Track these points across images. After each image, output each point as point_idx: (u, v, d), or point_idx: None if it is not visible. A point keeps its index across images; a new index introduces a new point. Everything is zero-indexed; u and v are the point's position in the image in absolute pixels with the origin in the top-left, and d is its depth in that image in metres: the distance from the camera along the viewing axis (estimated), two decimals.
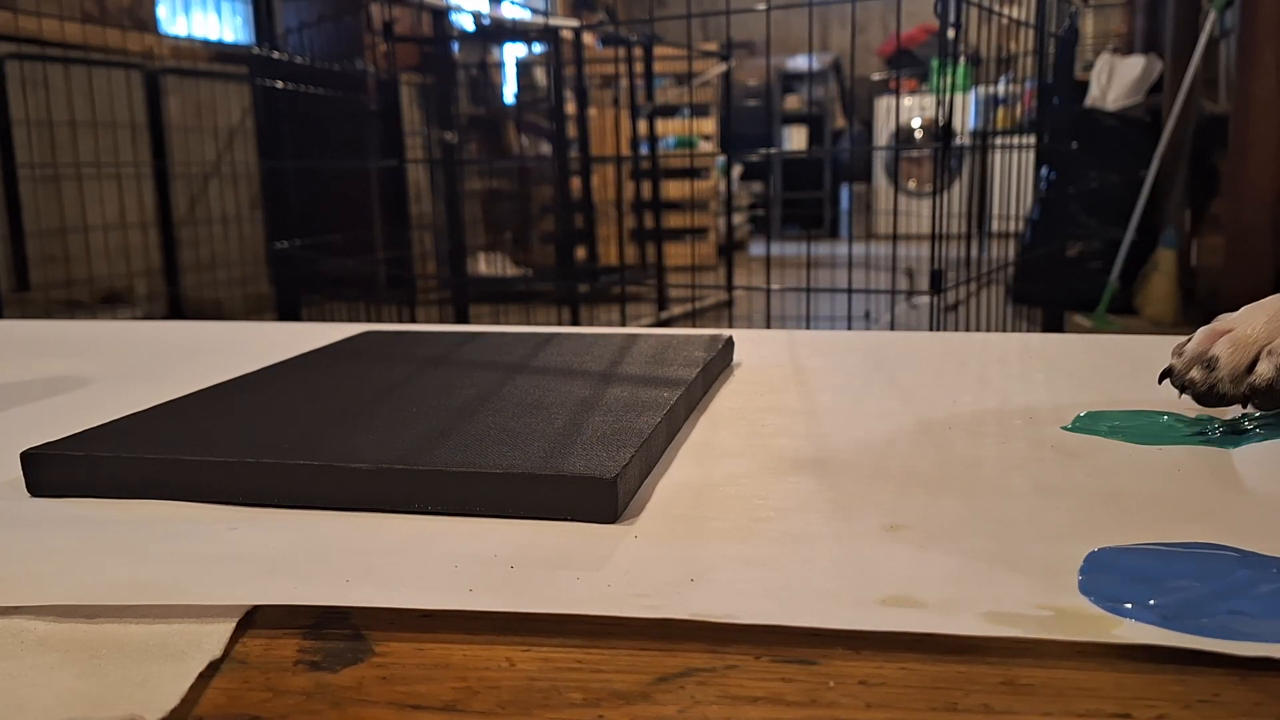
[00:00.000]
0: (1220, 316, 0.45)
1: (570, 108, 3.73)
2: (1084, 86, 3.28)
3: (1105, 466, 0.39)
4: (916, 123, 5.57)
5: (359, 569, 0.31)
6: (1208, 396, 0.42)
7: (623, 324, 2.74)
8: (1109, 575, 0.29)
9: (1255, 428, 0.42)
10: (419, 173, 3.90)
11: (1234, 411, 0.43)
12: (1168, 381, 0.45)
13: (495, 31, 4.19)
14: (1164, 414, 0.45)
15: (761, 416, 0.48)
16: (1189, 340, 0.44)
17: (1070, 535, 0.32)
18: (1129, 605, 0.27)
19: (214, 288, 3.37)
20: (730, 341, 0.59)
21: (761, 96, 6.18)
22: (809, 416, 0.48)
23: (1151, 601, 0.27)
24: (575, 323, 2.98)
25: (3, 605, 0.29)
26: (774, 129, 6.36)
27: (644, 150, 3.95)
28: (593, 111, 4.03)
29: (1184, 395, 0.43)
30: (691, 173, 4.84)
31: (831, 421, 0.47)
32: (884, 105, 6.16)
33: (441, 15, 3.34)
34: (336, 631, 0.28)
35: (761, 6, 1.91)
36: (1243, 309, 0.44)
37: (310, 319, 2.91)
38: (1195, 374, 0.42)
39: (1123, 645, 0.25)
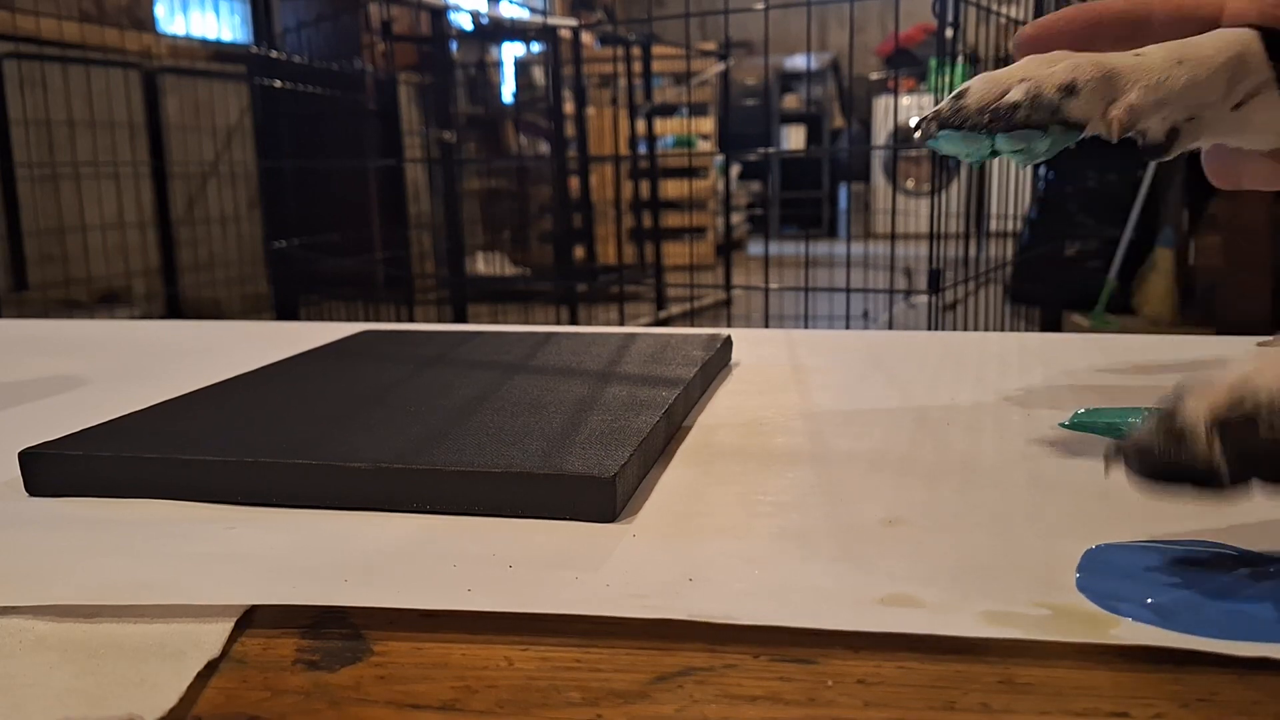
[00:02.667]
0: None
1: (568, 107, 3.73)
2: None
3: (1103, 464, 0.39)
4: (914, 122, 5.57)
5: (357, 568, 0.31)
6: (955, 120, 0.39)
7: (621, 323, 2.74)
8: (1107, 573, 0.29)
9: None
10: (417, 172, 3.90)
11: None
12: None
13: (493, 31, 4.19)
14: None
15: (760, 415, 0.48)
16: None
17: (1068, 532, 0.32)
18: (1126, 604, 0.27)
19: (212, 287, 3.37)
20: (728, 341, 0.59)
21: (760, 96, 6.18)
22: (807, 415, 0.48)
23: (1149, 600, 0.27)
24: (573, 322, 2.98)
25: (0, 605, 0.29)
26: (772, 128, 6.36)
27: (642, 150, 3.95)
28: (591, 111, 4.03)
29: (930, 140, 0.40)
30: (690, 172, 4.84)
31: (829, 420, 0.47)
32: (882, 105, 6.16)
33: (440, 15, 3.34)
34: (335, 631, 0.28)
35: (760, 6, 1.91)
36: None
37: (308, 318, 2.91)
38: (945, 105, 0.39)
39: (1120, 645, 0.25)
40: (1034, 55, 0.40)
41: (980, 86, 0.39)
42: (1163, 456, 0.28)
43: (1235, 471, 0.26)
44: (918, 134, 0.41)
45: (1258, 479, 0.27)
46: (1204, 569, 0.30)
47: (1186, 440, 0.27)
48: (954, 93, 0.40)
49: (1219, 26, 0.39)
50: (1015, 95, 0.38)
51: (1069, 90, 0.37)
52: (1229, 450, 0.26)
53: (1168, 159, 0.39)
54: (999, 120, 0.38)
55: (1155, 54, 0.38)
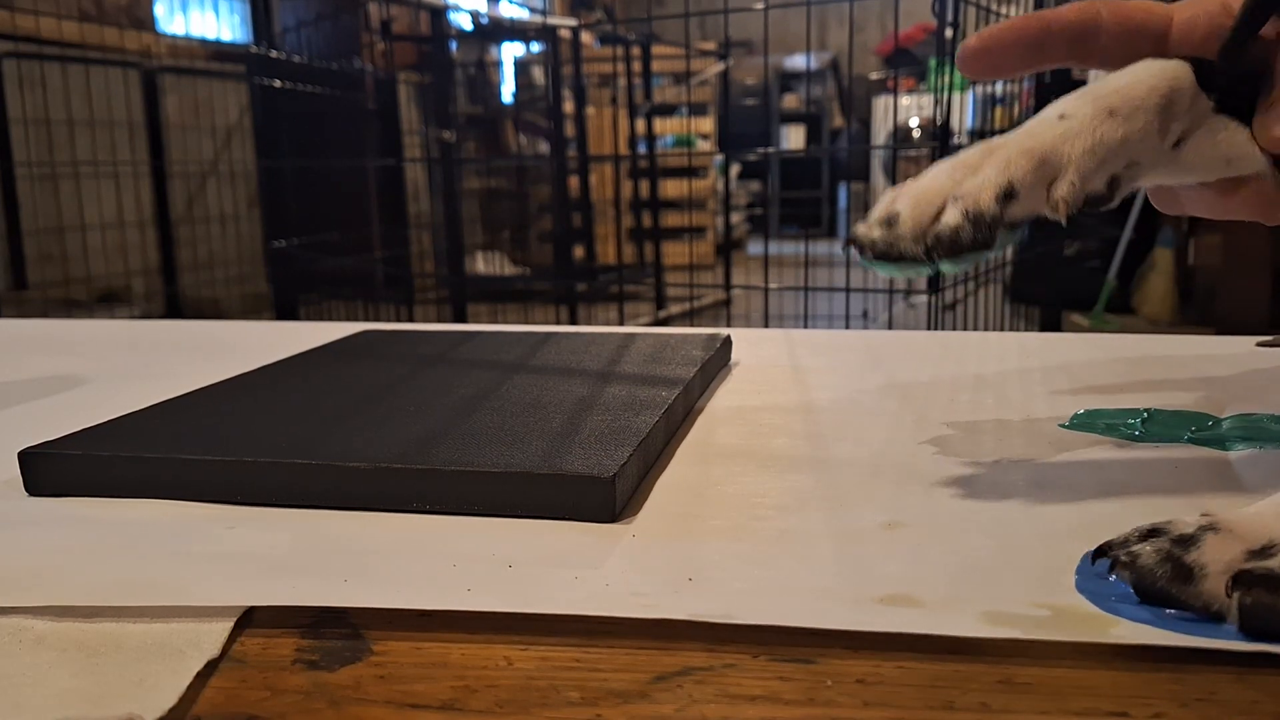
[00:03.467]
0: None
1: (568, 107, 3.73)
2: (1081, 85, 3.27)
3: (1103, 464, 0.39)
4: (914, 122, 5.57)
5: (357, 568, 0.31)
6: (890, 254, 0.36)
7: (621, 323, 2.74)
8: (1106, 574, 0.29)
9: (1236, 446, 0.41)
10: (417, 172, 3.90)
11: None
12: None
13: (493, 30, 4.19)
14: (1160, 412, 0.46)
15: (759, 415, 0.48)
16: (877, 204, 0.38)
17: (1067, 533, 0.32)
18: (1126, 604, 0.27)
19: (211, 287, 3.37)
20: (728, 340, 0.59)
21: (759, 95, 6.18)
22: (807, 415, 0.48)
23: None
24: (573, 322, 2.98)
25: (0, 604, 0.29)
26: (772, 128, 6.36)
27: (642, 149, 3.95)
28: (591, 110, 4.03)
29: (864, 260, 0.37)
30: (689, 172, 4.84)
31: (829, 420, 0.47)
32: (882, 104, 6.16)
33: (439, 14, 3.34)
34: (334, 630, 0.28)
35: (759, 5, 1.91)
36: (934, 164, 0.38)
37: (308, 318, 2.91)
38: (876, 234, 0.36)
39: (1120, 645, 0.25)
40: (950, 161, 0.37)
41: (910, 211, 0.36)
42: (1165, 590, 0.27)
43: (1246, 625, 0.25)
44: (853, 251, 0.37)
45: (1264, 638, 0.25)
46: None
47: (1195, 581, 0.26)
48: (881, 216, 0.36)
49: (1168, 38, 0.37)
50: (952, 219, 0.35)
51: (1008, 196, 0.35)
52: (1244, 607, 0.25)
53: (1112, 207, 0.38)
54: (942, 248, 0.35)
55: (1083, 111, 0.36)
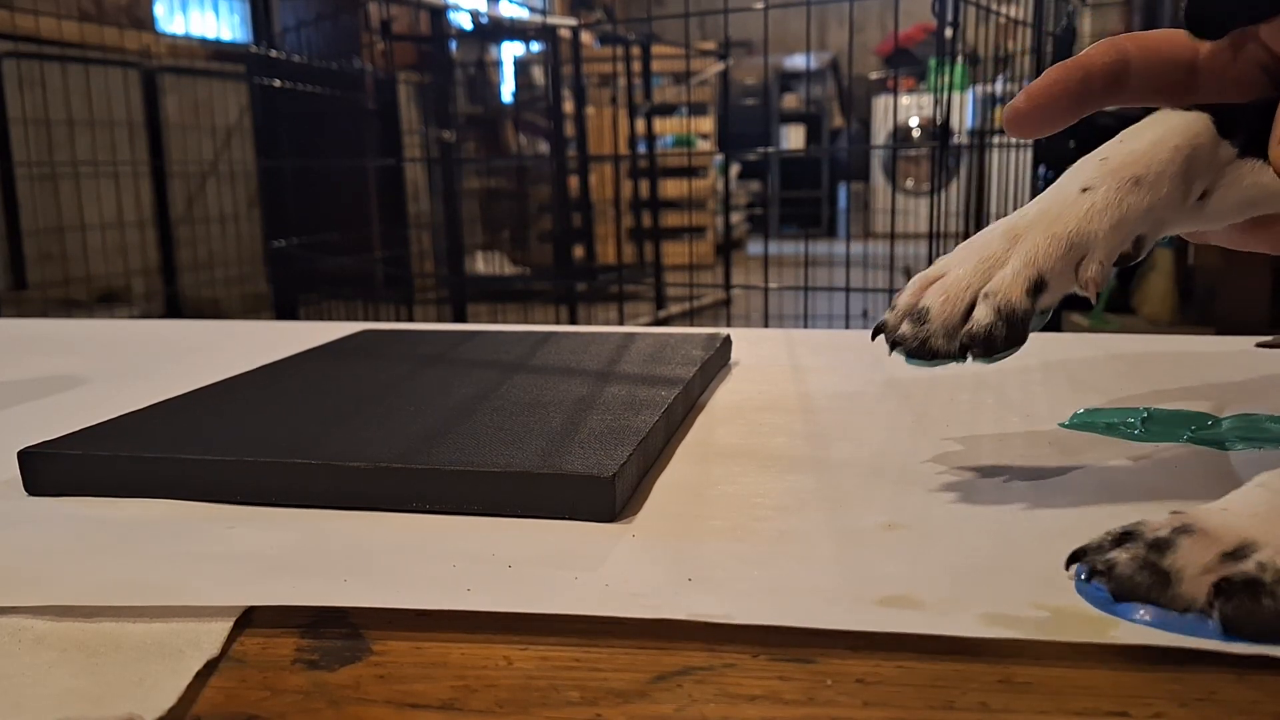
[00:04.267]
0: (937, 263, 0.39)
1: (568, 106, 3.73)
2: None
3: (1103, 464, 0.39)
4: (914, 122, 5.57)
5: (357, 568, 0.31)
6: (923, 352, 0.36)
7: (620, 323, 2.74)
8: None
9: (1235, 446, 0.41)
10: (417, 171, 3.90)
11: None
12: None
13: (493, 30, 4.19)
14: (1160, 411, 0.46)
15: (759, 415, 0.48)
16: (902, 292, 0.38)
17: (1067, 533, 0.32)
18: (1125, 605, 0.27)
19: (211, 287, 3.37)
20: (728, 340, 0.59)
21: (759, 95, 6.18)
22: (806, 415, 0.48)
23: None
24: (573, 321, 2.98)
25: (0, 604, 0.29)
26: (772, 128, 6.36)
27: (642, 149, 3.95)
28: (590, 110, 4.03)
29: (894, 353, 0.37)
30: (689, 172, 4.84)
31: (829, 420, 0.47)
32: (882, 104, 6.16)
33: (439, 14, 3.34)
34: (334, 630, 0.28)
35: (759, 5, 1.91)
36: (956, 249, 0.38)
37: (308, 318, 2.90)
38: (905, 329, 0.36)
39: (1120, 645, 0.25)
40: (971, 247, 0.36)
41: (939, 307, 0.35)
42: (1144, 597, 0.27)
43: (1228, 627, 0.25)
44: (879, 337, 0.37)
45: (1248, 640, 0.25)
46: None
47: (1173, 584, 0.26)
48: (908, 311, 0.36)
49: (1196, 65, 0.36)
50: (984, 317, 0.34)
51: (1038, 289, 0.35)
52: (1226, 616, 0.25)
53: (1139, 262, 0.38)
54: (977, 348, 0.35)
55: (1106, 184, 0.35)
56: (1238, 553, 0.27)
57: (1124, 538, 0.28)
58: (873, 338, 0.38)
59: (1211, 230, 0.39)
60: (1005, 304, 0.35)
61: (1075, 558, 0.29)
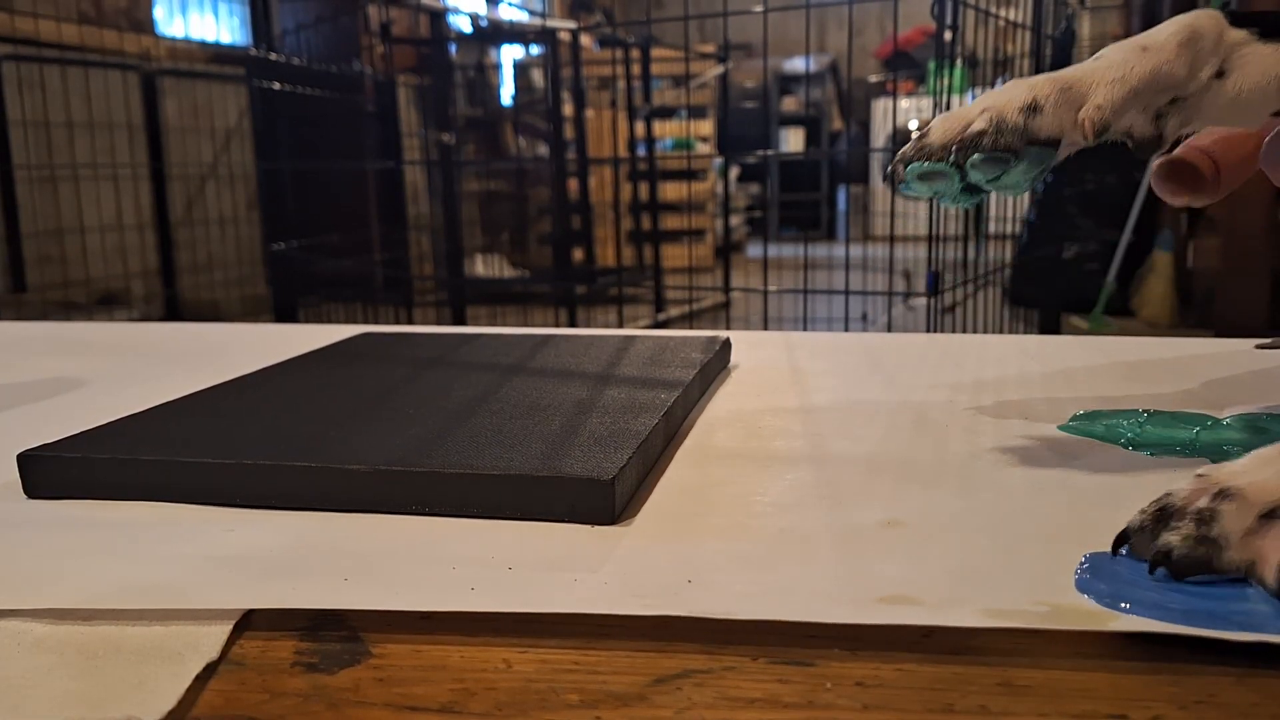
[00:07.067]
0: None
1: (567, 109, 3.73)
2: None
3: (1101, 465, 0.39)
4: (914, 125, 5.57)
5: (356, 570, 0.31)
6: (920, 155, 0.38)
7: (620, 325, 2.74)
8: (1107, 573, 0.29)
9: (1235, 448, 0.41)
10: (416, 174, 3.90)
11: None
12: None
13: (492, 33, 4.19)
14: (1159, 414, 0.46)
15: (759, 418, 0.48)
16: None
17: (1067, 534, 0.32)
18: (1126, 604, 0.27)
19: (211, 289, 3.37)
20: (727, 343, 0.59)
21: (759, 98, 6.18)
22: (806, 417, 0.48)
23: (1148, 601, 0.27)
24: (572, 324, 2.98)
25: (0, 608, 0.29)
26: (771, 131, 6.36)
27: (641, 152, 3.95)
28: (590, 113, 4.03)
29: (902, 187, 0.39)
30: (689, 174, 4.84)
31: (828, 422, 0.47)
32: (881, 107, 6.16)
33: (439, 17, 3.34)
34: (333, 633, 0.28)
35: (759, 8, 1.91)
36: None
37: (307, 320, 2.90)
38: (909, 148, 0.39)
39: (1119, 647, 0.25)
40: (991, 91, 0.40)
41: (941, 125, 0.39)
42: (1201, 566, 0.28)
43: None
44: (888, 181, 0.40)
45: None
46: None
47: (1224, 551, 0.28)
48: (916, 135, 0.39)
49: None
50: (978, 125, 0.37)
51: (1032, 109, 0.37)
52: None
53: (1165, 149, 0.40)
54: (966, 149, 0.37)
55: (1115, 52, 0.38)
56: (1275, 513, 0.28)
57: (1163, 514, 0.30)
58: (884, 179, 0.41)
59: (1272, 168, 0.42)
60: (998, 115, 0.37)
61: (1120, 542, 0.30)
